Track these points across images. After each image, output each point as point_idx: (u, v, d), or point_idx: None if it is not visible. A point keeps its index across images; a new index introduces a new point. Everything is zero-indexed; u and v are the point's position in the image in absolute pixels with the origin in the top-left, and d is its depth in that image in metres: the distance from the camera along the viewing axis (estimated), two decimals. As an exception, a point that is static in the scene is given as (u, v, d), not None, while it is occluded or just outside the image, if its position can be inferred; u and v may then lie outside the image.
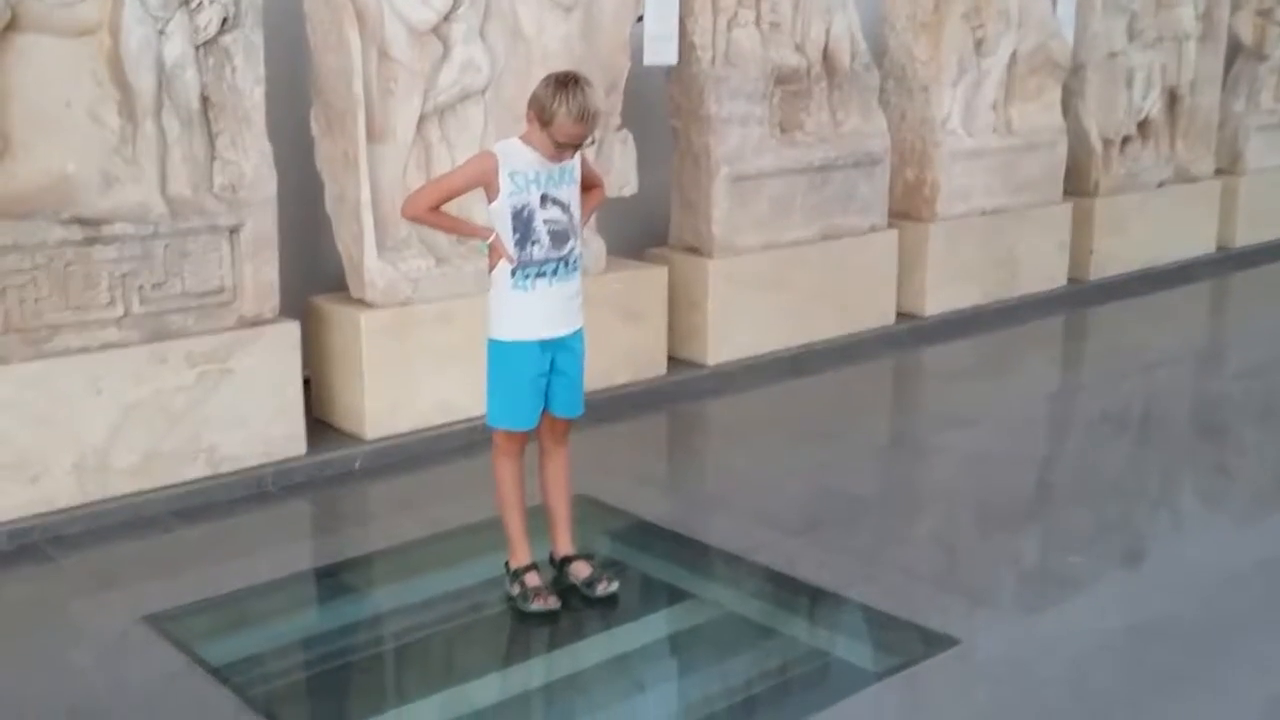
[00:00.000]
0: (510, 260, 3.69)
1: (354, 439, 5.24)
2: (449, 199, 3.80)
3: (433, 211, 3.78)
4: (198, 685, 3.46)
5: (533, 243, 3.68)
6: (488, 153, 3.75)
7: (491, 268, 3.78)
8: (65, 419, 4.46)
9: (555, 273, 3.72)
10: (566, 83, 3.55)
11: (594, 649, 3.77)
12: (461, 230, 3.96)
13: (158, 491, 4.67)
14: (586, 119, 3.54)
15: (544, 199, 3.67)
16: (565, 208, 3.72)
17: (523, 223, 3.66)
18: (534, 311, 3.74)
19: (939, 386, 6.80)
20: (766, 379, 6.43)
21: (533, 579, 3.88)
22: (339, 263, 5.40)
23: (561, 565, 4.03)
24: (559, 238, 3.71)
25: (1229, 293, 9.03)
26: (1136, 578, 4.27)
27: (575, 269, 3.79)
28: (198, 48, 4.64)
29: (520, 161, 3.66)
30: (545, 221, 3.67)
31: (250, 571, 4.22)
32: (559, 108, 3.51)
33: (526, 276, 3.71)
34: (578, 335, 3.86)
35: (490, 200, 3.70)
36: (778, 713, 3.35)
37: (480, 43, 5.36)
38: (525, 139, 3.69)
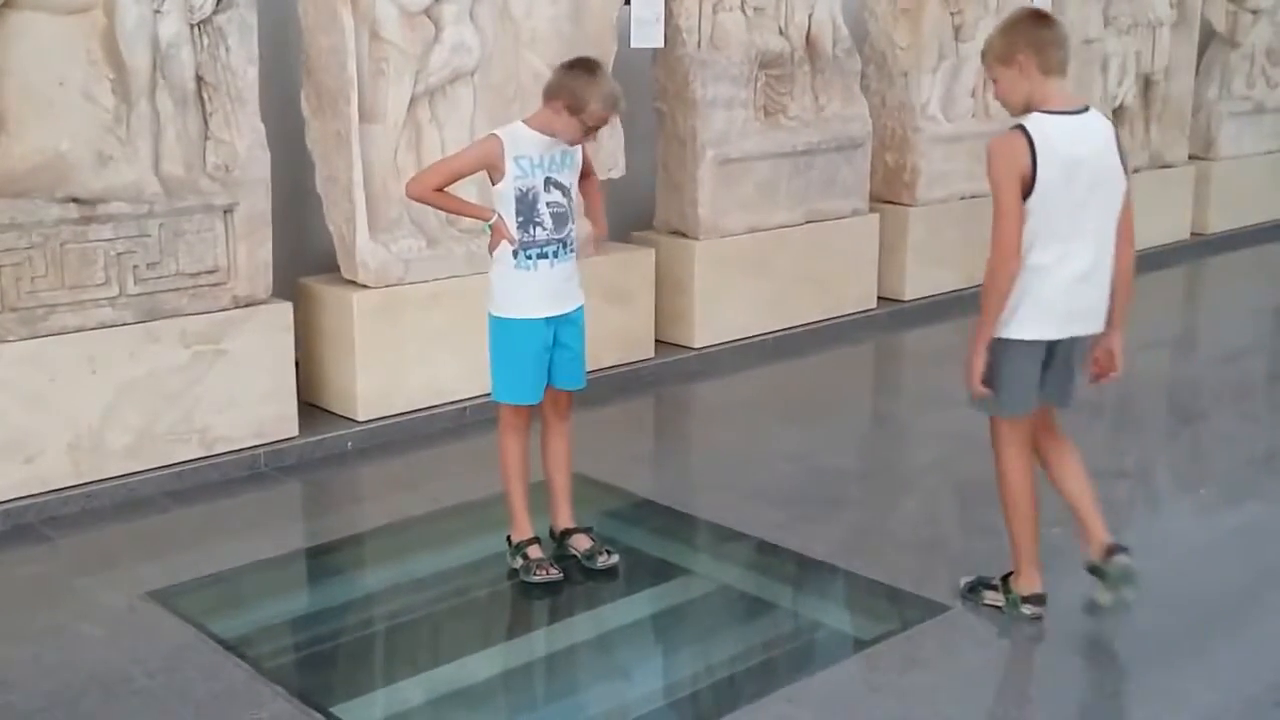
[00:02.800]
0: (512, 242, 3.85)
1: (346, 420, 5.37)
2: (454, 180, 3.95)
3: (437, 192, 3.93)
4: (210, 656, 3.58)
5: (536, 224, 3.85)
6: (493, 136, 3.89)
7: (492, 248, 3.93)
8: (60, 399, 4.56)
9: (556, 254, 3.89)
10: (593, 70, 3.76)
11: (593, 622, 3.93)
12: (465, 211, 4.09)
13: (152, 472, 4.78)
14: (617, 104, 3.78)
15: (547, 182, 3.84)
16: (566, 190, 3.89)
17: (527, 205, 3.83)
18: (538, 290, 3.90)
19: (920, 369, 7.01)
20: (751, 361, 6.61)
21: (535, 551, 4.05)
22: (326, 244, 5.52)
23: (561, 538, 4.19)
24: (560, 220, 3.88)
25: (1203, 278, 9.30)
26: (1118, 549, 4.49)
27: (574, 250, 3.96)
28: (192, 27, 4.74)
29: (525, 145, 3.82)
30: (548, 204, 3.84)
31: (250, 550, 4.35)
32: (592, 95, 3.70)
33: (529, 257, 3.87)
34: (579, 310, 4.03)
35: (494, 183, 3.86)
36: (781, 678, 3.51)
37: (471, 24, 5.50)
38: (534, 124, 3.85)
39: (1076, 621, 3.79)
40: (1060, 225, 3.46)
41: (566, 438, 4.17)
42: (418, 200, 4.04)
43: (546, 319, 3.93)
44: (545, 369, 3.98)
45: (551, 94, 3.80)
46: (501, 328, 3.96)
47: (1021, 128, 3.48)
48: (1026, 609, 3.77)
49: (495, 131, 3.93)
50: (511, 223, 3.85)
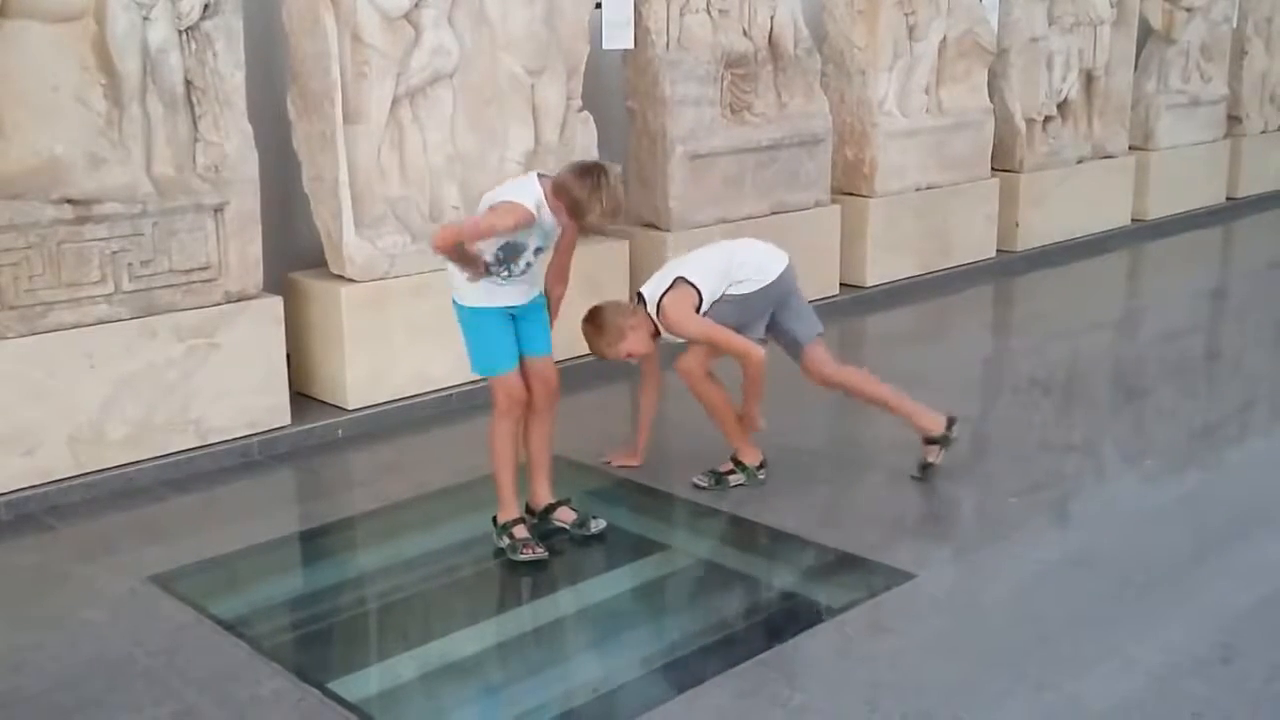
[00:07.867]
0: (474, 277, 3.85)
1: (336, 409, 5.32)
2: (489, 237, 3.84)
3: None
4: (210, 636, 3.55)
5: (509, 263, 3.88)
6: (528, 211, 3.74)
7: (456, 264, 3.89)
8: (60, 393, 4.50)
9: (519, 275, 3.94)
10: (600, 182, 3.65)
11: (576, 597, 3.92)
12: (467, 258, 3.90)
13: (149, 462, 4.73)
14: (618, 214, 3.71)
15: (537, 251, 3.91)
16: (545, 251, 3.97)
17: (512, 250, 3.85)
18: (499, 293, 3.94)
19: (881, 351, 7.00)
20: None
21: (521, 531, 4.04)
22: (314, 240, 5.46)
23: (544, 514, 4.19)
24: (527, 267, 3.93)
25: (1144, 261, 9.34)
26: (1068, 518, 4.49)
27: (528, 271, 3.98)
28: (181, 33, 4.67)
29: (542, 217, 3.79)
30: (525, 261, 3.89)
31: (246, 534, 4.30)
32: (594, 207, 3.66)
33: (494, 276, 3.89)
34: (537, 297, 4.08)
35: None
36: (756, 646, 3.51)
37: (449, 28, 5.44)
38: (550, 203, 3.78)
39: (1033, 588, 3.81)
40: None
41: (551, 422, 4.17)
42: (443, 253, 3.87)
43: (507, 307, 3.97)
44: (513, 334, 3.99)
45: (559, 192, 3.74)
46: (468, 311, 3.98)
47: (681, 281, 4.32)
48: (761, 474, 4.58)
49: (529, 207, 3.74)
50: (491, 249, 3.81)
